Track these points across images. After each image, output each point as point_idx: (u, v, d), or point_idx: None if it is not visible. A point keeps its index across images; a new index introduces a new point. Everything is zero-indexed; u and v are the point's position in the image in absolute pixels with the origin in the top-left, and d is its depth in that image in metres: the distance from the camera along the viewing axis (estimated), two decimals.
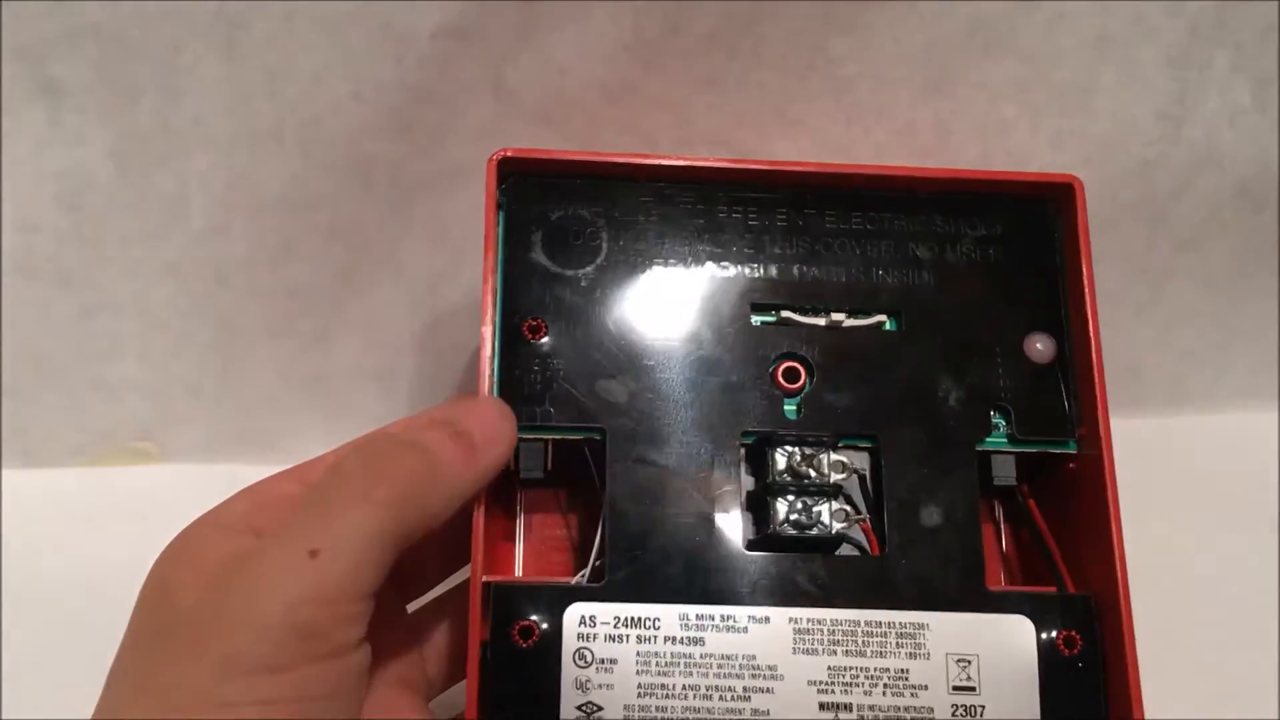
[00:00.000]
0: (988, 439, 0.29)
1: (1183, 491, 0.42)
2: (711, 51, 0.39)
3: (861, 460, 0.29)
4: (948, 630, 0.27)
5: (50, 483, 0.43)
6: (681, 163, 0.30)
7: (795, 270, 0.30)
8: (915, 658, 0.27)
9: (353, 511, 0.23)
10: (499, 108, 0.39)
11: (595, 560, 0.28)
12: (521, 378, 0.28)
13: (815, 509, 0.28)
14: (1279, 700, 0.38)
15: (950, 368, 0.29)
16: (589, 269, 0.29)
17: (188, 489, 0.43)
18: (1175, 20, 0.39)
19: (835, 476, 0.28)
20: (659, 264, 0.30)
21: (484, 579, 0.27)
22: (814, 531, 0.28)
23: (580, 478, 0.29)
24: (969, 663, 0.27)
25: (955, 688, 0.27)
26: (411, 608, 0.31)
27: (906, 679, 0.27)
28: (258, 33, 0.37)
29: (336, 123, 0.39)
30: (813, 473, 0.28)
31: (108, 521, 0.42)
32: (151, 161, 0.39)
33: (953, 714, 0.27)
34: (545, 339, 0.29)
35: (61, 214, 0.40)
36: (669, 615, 0.27)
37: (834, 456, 0.28)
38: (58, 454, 0.43)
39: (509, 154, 0.30)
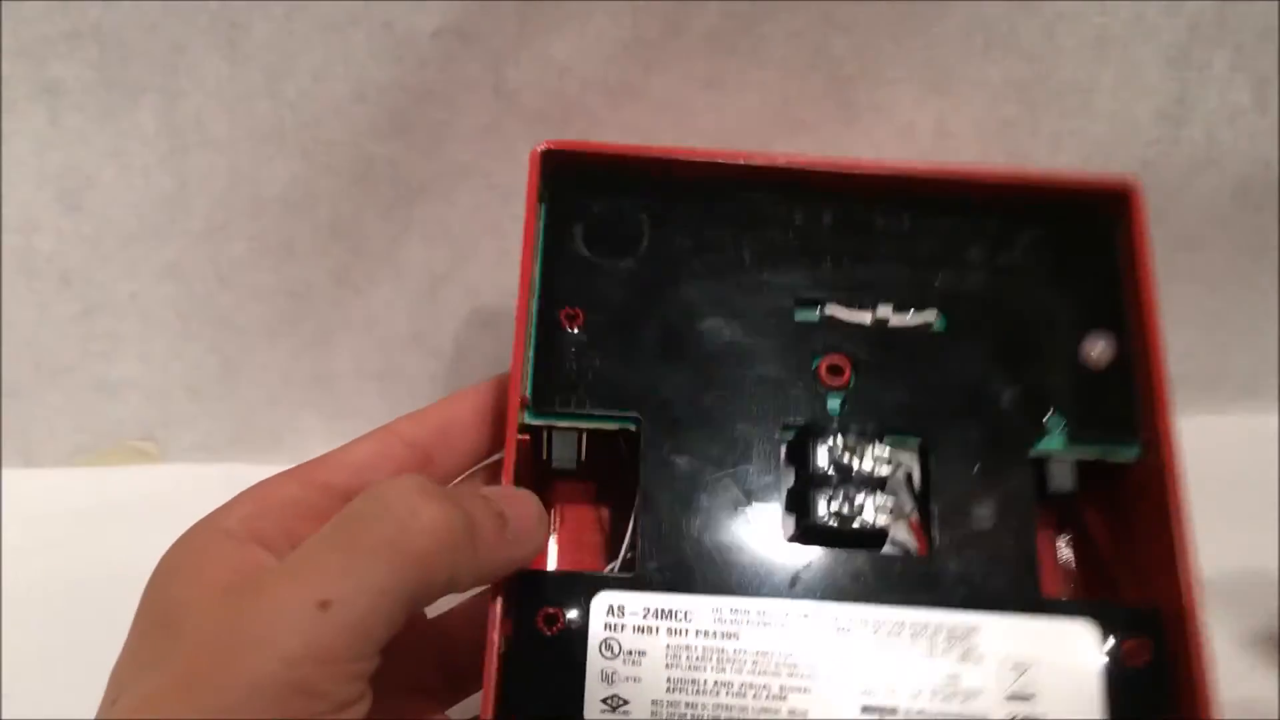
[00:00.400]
0: (1042, 442, 0.28)
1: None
2: (711, 51, 0.39)
3: (909, 458, 0.28)
4: (1002, 634, 0.26)
5: (50, 483, 0.43)
6: (725, 159, 0.29)
7: (841, 267, 0.29)
8: (966, 661, 0.25)
9: (378, 561, 0.21)
10: (499, 108, 0.39)
11: (626, 552, 0.27)
12: (557, 366, 0.28)
13: (859, 501, 0.27)
14: (1279, 699, 0.38)
15: (1002, 369, 0.28)
16: (629, 261, 0.29)
17: (188, 489, 0.43)
18: (1175, 20, 0.39)
19: (880, 470, 0.27)
20: (700, 257, 0.29)
21: None
22: (857, 524, 0.27)
23: (614, 471, 0.28)
24: (1026, 670, 0.25)
25: (1011, 696, 0.25)
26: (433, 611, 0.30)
27: (957, 684, 0.25)
28: (258, 33, 0.37)
29: (337, 123, 0.39)
30: (857, 463, 0.27)
31: (108, 521, 0.42)
32: (151, 161, 0.39)
33: None
34: (582, 328, 0.28)
35: (61, 214, 0.40)
36: (702, 607, 0.26)
37: (879, 451, 0.27)
38: (58, 454, 0.44)
39: (552, 146, 0.29)
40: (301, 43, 0.38)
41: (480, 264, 0.42)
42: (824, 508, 0.27)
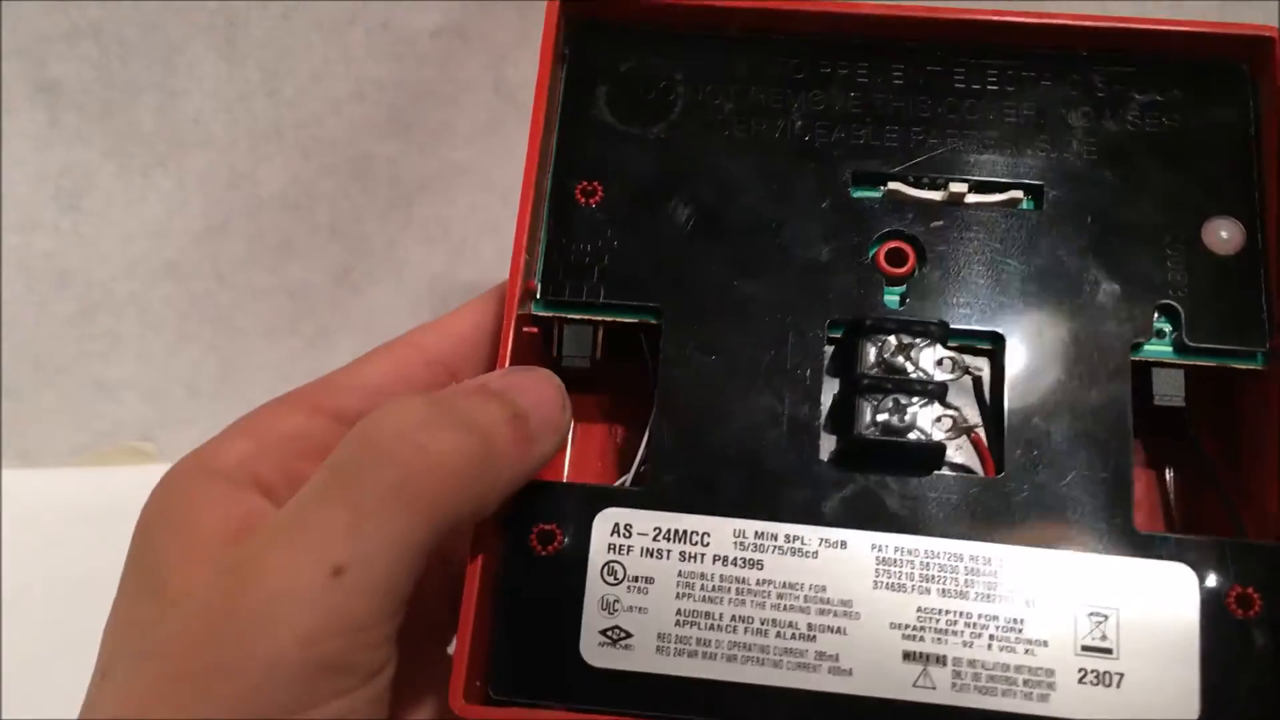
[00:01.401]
0: (1147, 345, 0.23)
1: None
2: None
3: (978, 362, 0.24)
4: (1080, 575, 0.22)
5: (50, 483, 0.43)
6: (781, 5, 0.25)
7: (910, 136, 0.25)
8: (1033, 606, 0.21)
9: (388, 515, 0.19)
10: (499, 107, 0.39)
11: (639, 465, 0.24)
12: (569, 247, 0.24)
13: (911, 410, 0.23)
14: None
15: (1103, 256, 0.24)
16: (659, 127, 0.25)
17: None
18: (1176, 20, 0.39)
19: (941, 375, 0.23)
20: (742, 123, 0.25)
21: None
22: (909, 437, 0.23)
23: (631, 379, 0.25)
24: (1105, 618, 0.21)
25: (1085, 648, 0.21)
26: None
27: (1019, 631, 0.21)
28: (256, 32, 0.37)
29: (336, 122, 0.39)
30: (911, 367, 0.23)
31: (107, 521, 0.42)
32: (151, 161, 0.39)
33: (1079, 679, 0.21)
34: (600, 204, 0.24)
35: (60, 213, 0.40)
36: (721, 530, 0.22)
37: (941, 352, 0.23)
38: (58, 454, 0.43)
39: None
40: (300, 42, 0.37)
41: (480, 264, 0.42)
42: (869, 418, 0.23)
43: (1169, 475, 0.26)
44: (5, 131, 0.38)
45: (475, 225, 0.41)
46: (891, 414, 0.23)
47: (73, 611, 0.41)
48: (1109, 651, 0.21)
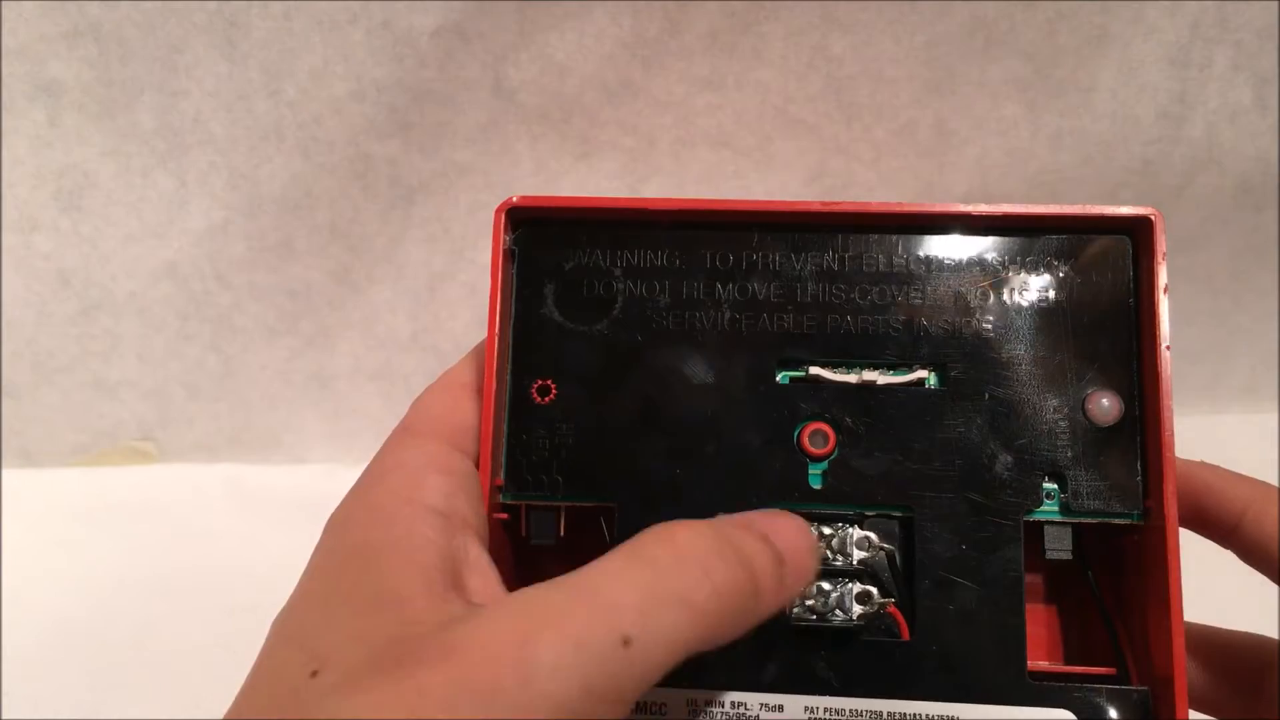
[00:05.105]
0: (1037, 510, 0.26)
1: None
2: (711, 51, 0.39)
3: (891, 536, 0.27)
4: None
5: (50, 483, 0.43)
6: (704, 206, 0.28)
7: (828, 320, 0.27)
8: None
9: (675, 613, 0.20)
10: (498, 107, 0.39)
11: None
12: (530, 444, 0.27)
13: (834, 594, 0.26)
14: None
15: (999, 430, 0.27)
16: (603, 323, 0.27)
17: (187, 489, 0.43)
18: (1176, 19, 0.39)
19: (859, 555, 0.26)
20: (678, 316, 0.28)
21: None
22: (833, 620, 0.26)
23: (598, 541, 0.28)
24: None
25: None
26: None
27: None
28: (257, 32, 0.37)
29: (336, 122, 0.39)
30: (830, 554, 0.26)
31: (107, 521, 0.42)
32: (151, 161, 0.39)
33: None
34: (555, 401, 0.27)
35: (60, 213, 0.40)
36: (675, 700, 0.25)
37: (859, 533, 0.26)
38: (57, 454, 0.43)
39: (518, 202, 0.27)
40: (300, 42, 0.38)
41: (479, 263, 0.42)
42: (798, 603, 0.26)
43: (1065, 606, 0.29)
44: (5, 131, 0.38)
45: (475, 225, 0.41)
46: (818, 598, 0.26)
47: (72, 611, 0.41)
48: None
